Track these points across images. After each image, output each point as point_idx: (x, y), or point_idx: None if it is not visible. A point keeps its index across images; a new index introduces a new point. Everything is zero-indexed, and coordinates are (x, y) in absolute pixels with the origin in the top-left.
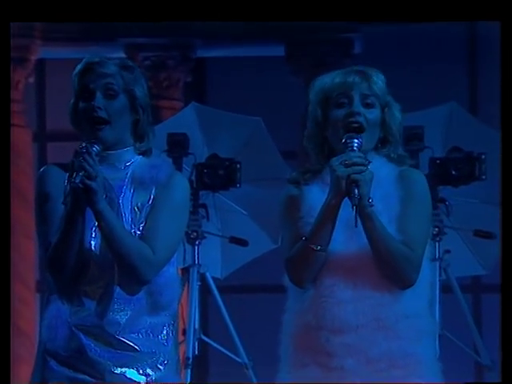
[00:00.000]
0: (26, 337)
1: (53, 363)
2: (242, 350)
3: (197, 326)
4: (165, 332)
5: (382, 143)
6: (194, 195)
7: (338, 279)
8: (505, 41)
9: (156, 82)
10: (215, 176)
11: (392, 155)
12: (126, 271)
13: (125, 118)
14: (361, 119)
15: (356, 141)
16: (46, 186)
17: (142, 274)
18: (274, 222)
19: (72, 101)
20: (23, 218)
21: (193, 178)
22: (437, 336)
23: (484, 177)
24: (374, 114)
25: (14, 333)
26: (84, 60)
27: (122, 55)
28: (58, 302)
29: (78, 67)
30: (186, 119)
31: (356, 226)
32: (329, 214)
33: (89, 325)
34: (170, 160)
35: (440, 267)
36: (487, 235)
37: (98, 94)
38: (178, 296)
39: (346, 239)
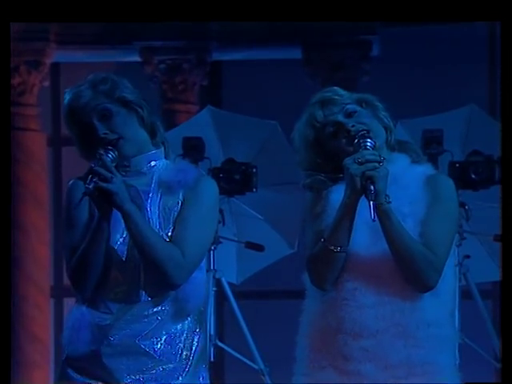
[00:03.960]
0: (41, 343)
1: (70, 371)
2: (258, 356)
3: (212, 332)
4: (190, 340)
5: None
6: None
7: (360, 283)
8: (505, 41)
9: (171, 85)
10: (231, 180)
11: (393, 144)
12: (155, 275)
13: (131, 125)
14: (360, 127)
15: (369, 140)
16: (73, 197)
17: (173, 277)
18: (290, 227)
19: (78, 143)
20: (38, 224)
21: None
22: (457, 345)
23: None
24: (362, 115)
25: (27, 338)
26: (64, 105)
27: (137, 59)
28: (83, 305)
29: (64, 114)
30: (201, 123)
31: (374, 220)
32: (346, 213)
33: (109, 329)
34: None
35: (460, 273)
36: (498, 238)
37: (95, 122)
38: (205, 302)
39: (370, 244)
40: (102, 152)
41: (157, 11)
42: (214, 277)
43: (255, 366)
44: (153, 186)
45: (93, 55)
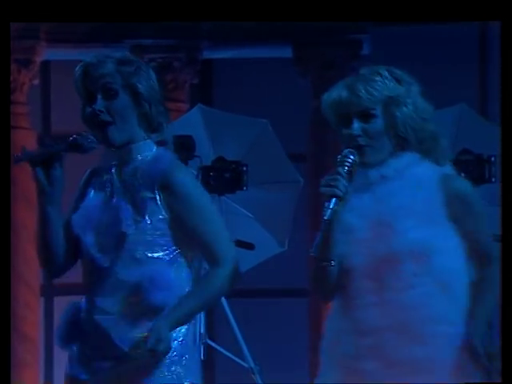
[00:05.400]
0: (31, 342)
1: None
2: (248, 354)
3: (203, 331)
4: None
5: (403, 142)
6: None
7: (364, 283)
8: (505, 41)
9: (162, 83)
10: (221, 179)
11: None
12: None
13: (129, 115)
14: (360, 140)
15: (350, 159)
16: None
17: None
18: (280, 226)
19: (81, 105)
20: (27, 222)
21: (199, 180)
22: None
23: (494, 179)
24: (376, 124)
25: (18, 338)
26: (81, 63)
27: None
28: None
29: (77, 71)
30: (191, 121)
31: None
32: (325, 227)
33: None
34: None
35: None
36: (498, 238)
37: (99, 96)
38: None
39: (370, 245)
40: (84, 133)
41: (148, 10)
42: None
43: (245, 365)
44: (129, 177)
45: (83, 53)
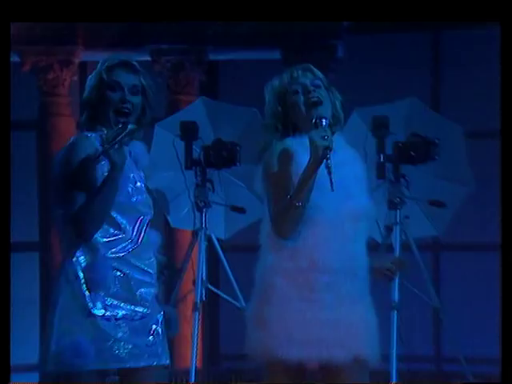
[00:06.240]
0: None
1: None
2: (240, 296)
3: (204, 278)
4: None
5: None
6: (202, 172)
7: (330, 233)
8: (505, 41)
9: (176, 80)
10: (219, 156)
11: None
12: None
13: (137, 113)
14: (316, 94)
15: (324, 120)
16: (79, 152)
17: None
18: None
19: (95, 84)
20: None
21: (201, 157)
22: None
23: (437, 157)
24: (323, 92)
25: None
26: (115, 57)
27: (148, 58)
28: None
29: (110, 62)
30: (196, 110)
31: (332, 188)
32: (310, 176)
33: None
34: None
35: (401, 230)
36: (439, 204)
37: (126, 91)
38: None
39: (339, 202)
40: (124, 120)
41: (162, 15)
42: (205, 233)
43: (238, 304)
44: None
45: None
